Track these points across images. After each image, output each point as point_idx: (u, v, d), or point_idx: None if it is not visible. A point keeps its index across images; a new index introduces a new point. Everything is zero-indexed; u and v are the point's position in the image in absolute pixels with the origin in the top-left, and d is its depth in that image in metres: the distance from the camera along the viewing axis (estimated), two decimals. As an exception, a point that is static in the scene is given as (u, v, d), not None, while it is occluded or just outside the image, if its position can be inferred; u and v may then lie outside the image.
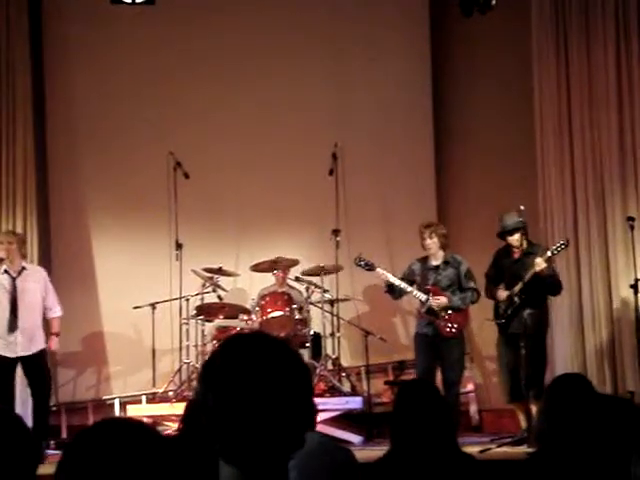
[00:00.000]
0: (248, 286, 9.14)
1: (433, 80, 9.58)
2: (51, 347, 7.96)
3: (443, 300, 7.62)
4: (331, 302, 8.79)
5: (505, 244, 7.70)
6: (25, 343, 7.74)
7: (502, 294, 7.60)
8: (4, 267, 7.72)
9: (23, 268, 7.83)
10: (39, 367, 7.84)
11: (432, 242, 7.75)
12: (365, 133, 9.49)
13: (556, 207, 8.58)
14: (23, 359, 7.75)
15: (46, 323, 7.97)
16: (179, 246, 8.80)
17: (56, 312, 8.02)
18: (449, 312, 7.63)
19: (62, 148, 9.40)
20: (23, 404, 8.13)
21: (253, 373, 1.92)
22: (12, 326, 7.70)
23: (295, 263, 8.83)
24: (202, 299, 8.75)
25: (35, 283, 7.86)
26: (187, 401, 3.91)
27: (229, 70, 9.44)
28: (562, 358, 8.33)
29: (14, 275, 7.77)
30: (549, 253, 7.41)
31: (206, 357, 6.29)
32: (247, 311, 8.66)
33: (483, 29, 8.79)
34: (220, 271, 8.73)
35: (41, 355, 7.85)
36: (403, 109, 9.54)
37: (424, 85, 9.55)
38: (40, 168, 9.18)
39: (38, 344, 7.83)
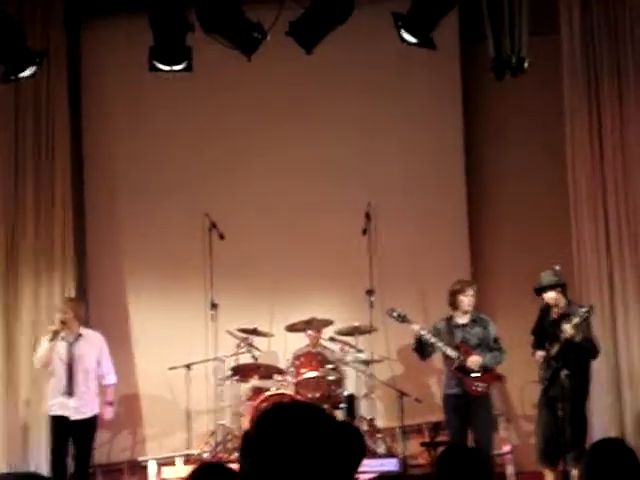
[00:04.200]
0: (282, 346, 9.15)
1: (465, 138, 9.63)
2: (104, 417, 8.05)
3: (478, 359, 7.60)
4: (366, 362, 8.77)
5: (546, 303, 7.71)
6: (79, 408, 7.86)
7: (538, 356, 7.58)
8: (61, 334, 7.85)
9: (80, 335, 7.95)
10: (88, 433, 7.95)
11: (473, 300, 7.77)
12: (397, 192, 9.54)
13: (591, 265, 8.53)
14: (76, 423, 7.82)
15: (101, 390, 8.08)
16: (214, 306, 8.85)
17: (110, 379, 8.15)
18: (479, 372, 7.62)
19: (100, 211, 9.55)
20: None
21: (290, 444, 1.94)
22: (68, 391, 7.83)
23: (329, 323, 8.85)
24: (237, 360, 8.78)
25: (91, 349, 7.99)
26: (197, 465, 3.91)
27: (262, 130, 9.55)
28: (600, 421, 8.21)
29: (71, 341, 7.89)
30: (576, 320, 7.38)
31: (241, 418, 6.32)
32: (281, 372, 8.66)
33: (515, 85, 8.84)
34: (255, 331, 8.78)
35: (92, 422, 7.96)
36: (435, 167, 9.58)
37: (456, 143, 9.59)
38: (78, 231, 9.32)
39: (91, 409, 7.94)
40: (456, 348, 7.69)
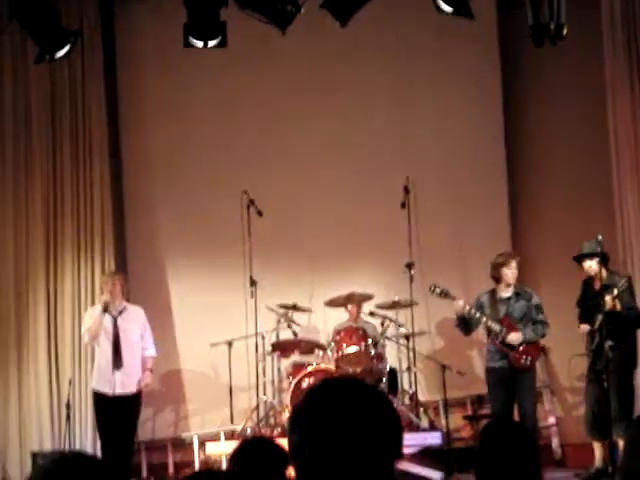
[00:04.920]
0: (322, 321, 9.14)
1: (505, 111, 9.52)
2: (144, 381, 8.09)
3: (519, 335, 7.56)
4: (407, 336, 8.75)
5: (588, 276, 7.65)
6: (125, 382, 7.93)
7: (583, 329, 7.53)
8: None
9: (124, 308, 8.02)
10: (133, 408, 8.03)
11: (516, 273, 7.71)
12: (436, 165, 9.47)
13: (635, 235, 8.43)
14: (120, 397, 7.89)
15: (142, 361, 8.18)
16: (253, 283, 8.86)
17: (151, 352, 8.22)
18: (522, 345, 7.57)
19: (138, 190, 9.57)
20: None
21: (340, 420, 1.93)
22: (116, 364, 7.91)
23: (369, 298, 8.82)
24: (277, 335, 8.79)
25: (135, 323, 8.08)
26: (238, 442, 3.93)
27: (299, 107, 9.52)
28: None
29: (115, 315, 7.96)
30: (615, 291, 7.31)
31: (282, 393, 6.34)
32: (322, 347, 8.66)
33: (555, 59, 8.71)
34: (294, 307, 8.78)
35: (137, 397, 8.03)
36: (474, 140, 9.49)
37: (495, 116, 9.50)
38: (117, 211, 9.35)
39: (134, 385, 8.02)
40: (499, 322, 7.64)
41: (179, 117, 9.55)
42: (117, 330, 7.99)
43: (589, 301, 7.62)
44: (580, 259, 7.62)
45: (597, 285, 7.56)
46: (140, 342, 8.12)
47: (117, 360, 7.95)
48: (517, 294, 7.77)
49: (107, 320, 7.99)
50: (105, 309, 7.93)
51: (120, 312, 8.06)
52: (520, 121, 9.57)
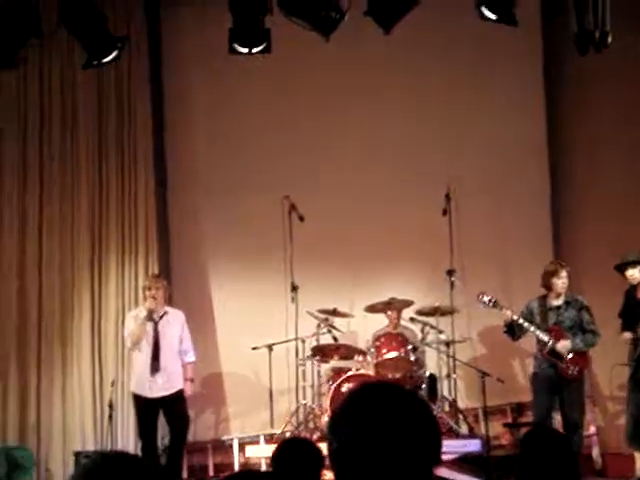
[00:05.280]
0: (363, 327, 9.15)
1: (547, 119, 9.47)
2: (186, 393, 8.17)
3: (568, 344, 7.51)
4: (447, 343, 8.73)
5: (630, 285, 7.58)
6: (165, 384, 8.01)
7: (626, 336, 7.47)
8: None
9: (165, 312, 8.09)
10: (178, 408, 8.10)
11: (567, 282, 7.68)
12: (478, 173, 9.45)
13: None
14: (163, 400, 7.98)
15: (182, 367, 8.22)
16: (294, 288, 8.90)
17: (190, 357, 8.29)
18: (571, 354, 7.53)
19: (182, 195, 9.66)
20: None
21: (379, 425, 1.94)
22: (154, 368, 7.98)
23: (409, 304, 8.82)
24: (317, 340, 8.82)
25: (175, 327, 8.14)
26: (278, 442, 3.99)
27: (341, 113, 9.55)
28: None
29: (157, 319, 8.04)
30: None
31: (322, 398, 6.37)
32: (362, 352, 8.68)
33: (598, 65, 8.66)
34: (335, 312, 8.81)
35: (180, 396, 8.10)
36: (517, 148, 9.46)
37: (538, 124, 9.46)
38: (161, 215, 9.44)
39: (177, 385, 8.09)
40: (548, 331, 7.60)
41: (223, 122, 9.63)
42: (157, 334, 8.04)
43: (634, 310, 7.55)
44: (623, 268, 7.56)
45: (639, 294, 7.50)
46: (179, 346, 8.16)
47: (155, 364, 8.01)
48: (568, 303, 7.72)
49: (148, 325, 8.07)
50: (150, 317, 8.00)
51: (161, 316, 8.12)
52: (563, 129, 9.52)
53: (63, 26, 7.79)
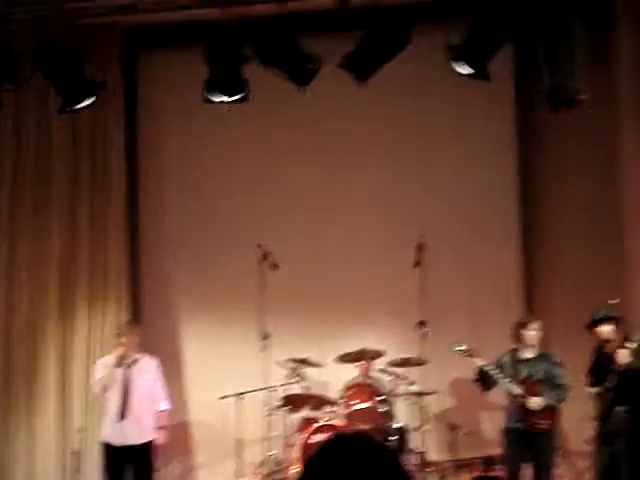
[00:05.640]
0: (334, 377, 9.11)
1: (520, 170, 9.58)
2: (158, 441, 8.06)
3: (540, 400, 7.51)
4: (417, 394, 8.72)
5: (598, 342, 7.61)
6: (134, 433, 7.87)
7: (593, 390, 7.48)
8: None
9: (136, 359, 8.02)
10: (145, 459, 7.95)
11: (537, 334, 7.70)
12: (450, 224, 9.52)
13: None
14: (131, 449, 7.86)
15: (155, 416, 8.11)
16: (266, 336, 8.88)
17: (163, 405, 8.16)
18: (542, 409, 7.54)
19: (154, 242, 9.69)
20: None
21: (351, 477, 1.95)
22: (123, 415, 7.85)
23: (380, 355, 8.81)
24: (288, 390, 8.78)
25: (147, 374, 8.03)
26: None
27: (315, 162, 9.62)
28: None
29: (127, 366, 7.95)
30: (633, 346, 7.27)
31: (291, 448, 6.32)
32: (332, 402, 8.64)
33: (569, 120, 8.78)
34: (306, 362, 8.78)
35: (148, 447, 7.96)
36: (488, 200, 9.54)
37: (511, 176, 9.55)
38: (132, 262, 9.44)
39: (146, 435, 7.95)
40: (520, 383, 7.61)
41: (197, 169, 9.68)
42: (127, 381, 7.95)
43: (604, 366, 7.56)
44: (595, 324, 7.58)
45: (610, 349, 7.53)
46: (150, 394, 8.06)
47: (123, 411, 7.89)
48: (539, 356, 7.75)
49: (118, 371, 7.97)
50: (119, 363, 7.90)
51: (132, 363, 8.03)
52: (535, 184, 9.62)
53: (39, 71, 7.82)
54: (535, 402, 7.53)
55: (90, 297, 9.11)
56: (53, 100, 8.30)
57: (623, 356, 7.23)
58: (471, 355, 7.73)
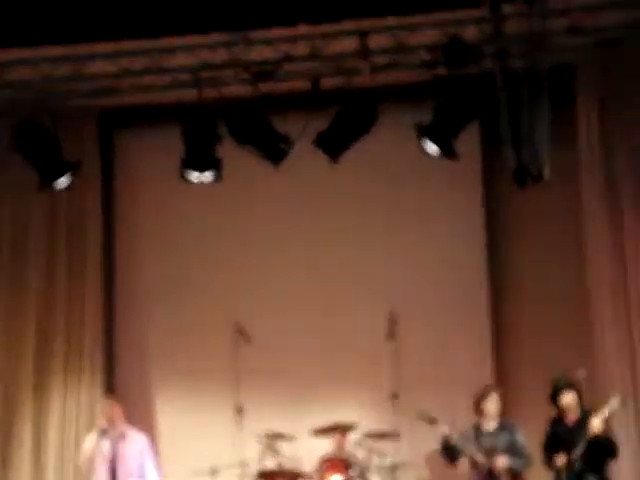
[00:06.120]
0: (308, 450, 9.11)
1: (487, 241, 9.76)
2: None
3: (506, 461, 7.59)
4: (391, 468, 8.74)
5: (557, 413, 7.71)
6: None
7: (561, 460, 7.52)
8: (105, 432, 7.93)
9: (123, 433, 8.00)
10: None
11: (498, 405, 7.81)
12: (420, 297, 9.61)
13: (613, 368, 8.53)
14: None
15: None
16: (240, 410, 8.93)
17: None
18: (508, 476, 7.62)
19: (130, 316, 9.76)
20: None
21: None
22: None
23: (354, 427, 8.86)
24: (262, 464, 8.77)
25: (134, 449, 8.02)
26: None
27: (289, 238, 9.76)
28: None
29: (113, 440, 7.94)
30: (606, 413, 7.38)
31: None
32: (307, 476, 8.64)
33: (536, 196, 9.00)
34: (280, 436, 8.81)
35: None
36: (456, 273, 9.67)
37: (478, 248, 9.70)
38: (107, 336, 9.50)
39: None
40: (484, 454, 7.69)
41: (174, 244, 9.82)
42: (114, 456, 7.93)
43: (562, 438, 7.63)
44: (559, 393, 7.68)
45: (571, 420, 7.63)
46: (138, 468, 8.04)
47: None
48: (501, 427, 7.86)
49: (104, 445, 7.96)
50: (101, 435, 7.91)
51: (119, 437, 8.01)
52: (503, 252, 9.80)
53: (18, 151, 7.97)
54: (501, 461, 7.60)
55: (65, 371, 9.13)
56: (31, 180, 8.39)
57: (597, 424, 7.34)
58: (434, 422, 7.83)
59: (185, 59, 8.09)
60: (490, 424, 7.85)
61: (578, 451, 7.40)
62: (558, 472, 7.54)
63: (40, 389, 9.07)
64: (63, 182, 8.08)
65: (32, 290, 9.23)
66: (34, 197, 9.06)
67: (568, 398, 7.64)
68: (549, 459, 7.63)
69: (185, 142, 7.88)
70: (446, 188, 9.68)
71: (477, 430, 7.85)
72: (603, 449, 7.47)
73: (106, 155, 9.76)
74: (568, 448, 7.48)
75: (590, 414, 7.49)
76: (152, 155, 9.66)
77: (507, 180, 7.63)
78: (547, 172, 7.40)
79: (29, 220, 9.30)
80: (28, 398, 9.01)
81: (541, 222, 9.59)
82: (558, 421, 7.72)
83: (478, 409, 7.88)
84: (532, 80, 7.36)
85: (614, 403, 7.45)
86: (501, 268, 9.78)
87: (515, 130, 7.42)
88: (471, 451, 7.72)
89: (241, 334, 9.07)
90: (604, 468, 7.55)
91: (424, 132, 7.75)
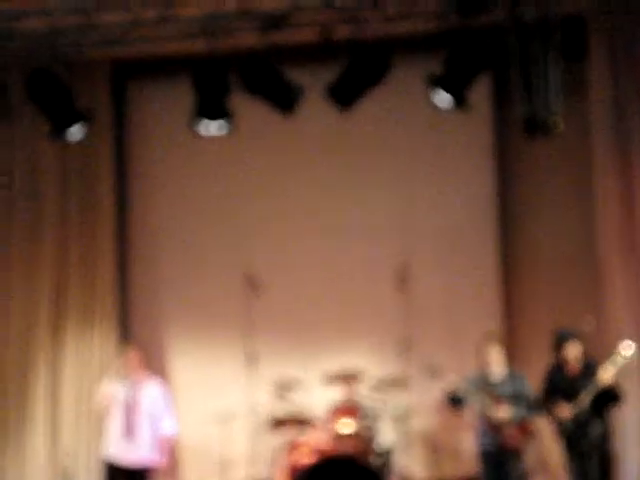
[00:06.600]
0: (319, 397, 9.24)
1: (498, 195, 9.76)
2: (159, 464, 8.19)
3: (508, 411, 7.68)
4: (401, 415, 8.86)
5: (557, 361, 7.77)
6: (135, 454, 8.03)
7: (565, 411, 7.58)
8: (124, 379, 8.07)
9: (141, 381, 8.14)
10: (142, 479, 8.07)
11: (496, 352, 7.88)
12: (431, 248, 9.67)
13: (622, 316, 8.55)
14: (130, 472, 8.01)
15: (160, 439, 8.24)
16: (252, 359, 9.03)
17: (169, 430, 8.28)
18: (513, 425, 7.71)
19: (143, 266, 9.81)
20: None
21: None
22: (126, 435, 8.00)
23: (364, 375, 8.95)
24: (274, 411, 8.91)
25: (150, 396, 8.15)
26: None
27: (301, 187, 9.77)
28: (633, 473, 8.24)
29: (130, 387, 8.07)
30: (616, 362, 7.43)
31: (276, 469, 6.44)
32: (317, 423, 8.76)
33: (547, 147, 8.99)
34: (292, 383, 8.92)
35: (145, 473, 8.11)
36: (468, 225, 9.69)
37: (489, 201, 9.71)
38: (121, 285, 9.58)
39: (146, 458, 8.10)
40: (490, 402, 7.78)
41: (185, 195, 9.83)
42: (131, 402, 8.05)
43: (561, 388, 7.69)
44: (564, 344, 7.72)
45: (574, 370, 7.69)
46: (153, 417, 8.15)
47: (128, 431, 8.02)
48: (509, 376, 7.93)
49: (121, 391, 8.10)
50: (117, 380, 8.05)
51: (135, 384, 8.14)
52: (513, 207, 9.81)
53: (30, 99, 7.99)
54: (504, 411, 7.69)
55: (79, 320, 9.22)
56: (44, 132, 8.41)
57: (608, 375, 7.40)
58: (442, 376, 7.91)
59: (195, 9, 8.05)
60: (497, 373, 7.93)
61: (585, 401, 7.47)
62: (561, 422, 7.63)
63: (55, 336, 9.18)
64: (75, 132, 8.09)
65: (47, 238, 9.28)
66: (47, 147, 9.09)
67: (574, 349, 7.68)
68: (549, 408, 7.73)
69: (196, 93, 7.87)
70: (457, 139, 9.66)
71: (484, 379, 7.93)
72: (610, 398, 7.55)
73: (118, 106, 9.76)
74: (569, 398, 7.55)
75: (596, 365, 7.55)
76: (164, 106, 9.65)
77: (518, 131, 7.63)
78: (560, 124, 7.39)
79: (42, 169, 9.33)
80: (43, 345, 9.13)
81: (552, 174, 9.59)
82: (558, 371, 7.77)
83: (481, 358, 7.95)
84: (544, 31, 7.31)
85: (626, 351, 7.49)
86: (512, 219, 9.79)
87: (527, 81, 7.39)
88: (477, 402, 7.80)
89: (252, 284, 9.15)
90: (607, 415, 7.65)
91: (436, 83, 7.73)
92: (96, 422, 8.71)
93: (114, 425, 8.08)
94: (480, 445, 7.90)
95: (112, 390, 8.05)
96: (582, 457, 7.49)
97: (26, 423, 8.99)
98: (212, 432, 9.01)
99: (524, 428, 7.81)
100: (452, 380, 7.88)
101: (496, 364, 7.92)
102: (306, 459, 8.17)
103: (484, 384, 7.87)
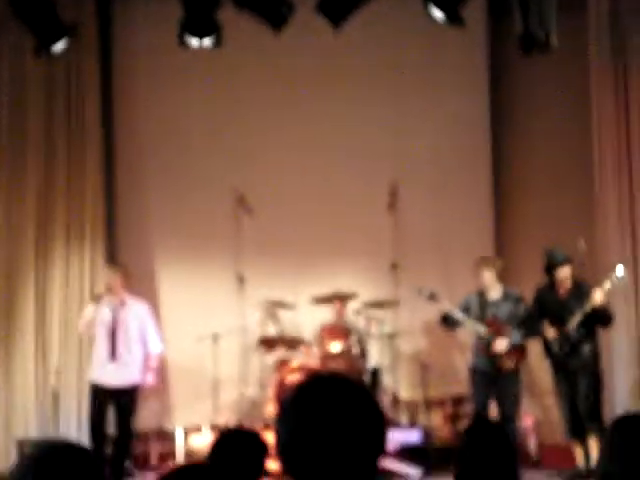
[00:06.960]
0: (308, 318, 9.25)
1: (492, 112, 9.66)
2: (146, 381, 8.17)
3: (504, 342, 7.69)
4: (390, 335, 8.88)
5: (548, 282, 7.75)
6: (120, 375, 8.00)
7: (551, 332, 7.62)
8: (106, 300, 7.99)
9: (124, 301, 8.08)
10: (129, 401, 8.08)
11: (490, 276, 7.85)
12: (423, 167, 9.62)
13: (614, 239, 8.55)
14: (116, 391, 7.99)
15: (146, 358, 8.21)
16: (241, 279, 8.99)
17: (155, 349, 8.25)
18: (510, 350, 7.73)
19: (130, 184, 9.67)
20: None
21: (327, 417, 2.02)
22: (111, 356, 7.97)
23: (354, 296, 8.95)
24: (263, 331, 8.91)
25: (135, 317, 8.10)
26: (218, 433, 3.99)
27: (290, 106, 9.63)
28: (622, 393, 8.30)
29: (114, 307, 8.02)
30: (609, 284, 7.43)
31: (266, 388, 6.43)
32: (307, 343, 8.78)
33: (542, 66, 8.86)
34: (281, 303, 8.91)
35: (133, 391, 8.10)
36: (461, 143, 9.63)
37: (482, 118, 9.64)
38: (108, 203, 9.47)
39: (132, 378, 8.07)
40: (486, 324, 7.78)
41: (172, 110, 9.64)
42: (114, 323, 8.03)
43: (551, 308, 7.70)
44: (556, 266, 7.70)
45: (563, 292, 7.68)
46: (138, 337, 8.12)
47: (112, 352, 8.00)
48: (504, 297, 7.92)
49: (105, 312, 8.04)
50: (97, 301, 8.00)
51: (120, 305, 8.10)
52: (507, 125, 9.72)
53: (14, 14, 7.76)
54: (500, 344, 7.71)
55: (67, 239, 9.13)
56: (29, 49, 8.20)
57: (599, 296, 7.40)
58: (434, 299, 7.89)
59: None
60: (494, 293, 7.91)
61: (575, 322, 7.48)
62: (548, 343, 7.65)
63: (42, 257, 9.09)
64: (60, 46, 7.88)
65: (32, 158, 9.11)
66: (32, 65, 8.88)
67: (565, 272, 7.68)
68: (538, 329, 7.73)
69: (184, 6, 7.65)
70: (451, 55, 9.51)
71: (481, 298, 7.92)
72: (599, 319, 7.56)
73: (104, 20, 9.52)
74: (559, 319, 7.57)
75: (586, 287, 7.55)
76: (151, 20, 9.40)
77: (513, 47, 7.48)
78: (554, 40, 7.24)
79: (27, 89, 9.12)
80: (30, 267, 9.05)
81: (547, 90, 9.46)
82: (548, 292, 7.77)
83: (478, 277, 7.94)
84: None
85: (618, 274, 7.48)
86: (505, 136, 9.70)
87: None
88: (472, 324, 7.80)
89: (242, 204, 9.06)
90: (596, 337, 7.67)
91: (429, -2, 7.53)
92: (85, 343, 8.70)
93: (99, 347, 8.06)
94: (474, 363, 7.92)
95: (94, 314, 7.98)
96: (572, 377, 7.54)
97: (15, 345, 8.97)
98: (202, 352, 9.01)
99: (519, 351, 7.82)
100: (445, 306, 7.87)
101: (492, 287, 7.90)
102: (295, 377, 8.19)
103: (482, 304, 7.86)
